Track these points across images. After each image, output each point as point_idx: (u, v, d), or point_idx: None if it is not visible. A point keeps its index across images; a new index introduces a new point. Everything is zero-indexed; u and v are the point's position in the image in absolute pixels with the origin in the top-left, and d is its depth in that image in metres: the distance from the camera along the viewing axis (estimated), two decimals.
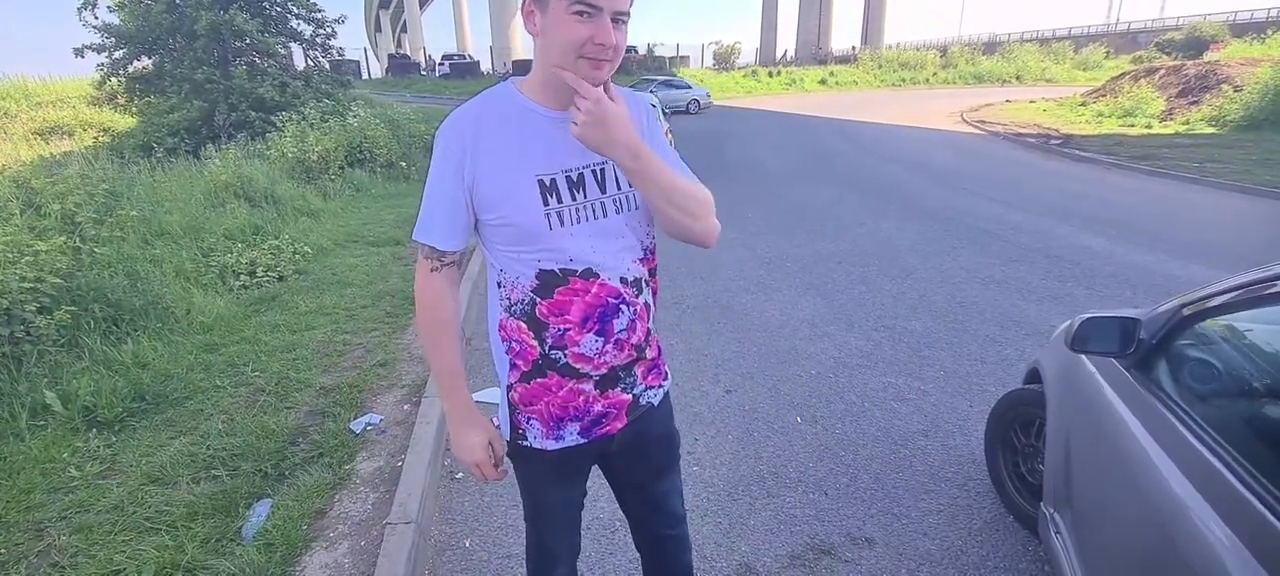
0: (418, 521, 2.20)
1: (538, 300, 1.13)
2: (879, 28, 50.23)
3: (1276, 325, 1.54)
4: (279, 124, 9.45)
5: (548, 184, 1.09)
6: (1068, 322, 1.93)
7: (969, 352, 3.73)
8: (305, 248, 5.33)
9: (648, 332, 1.23)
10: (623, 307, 1.16)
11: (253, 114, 11.23)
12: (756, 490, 2.53)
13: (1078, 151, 11.71)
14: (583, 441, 1.24)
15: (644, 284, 1.20)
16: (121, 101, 13.42)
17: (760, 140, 14.68)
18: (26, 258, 3.38)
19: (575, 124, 1.04)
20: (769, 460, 2.72)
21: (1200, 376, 1.56)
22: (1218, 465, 1.24)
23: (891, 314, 4.33)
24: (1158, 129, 14.37)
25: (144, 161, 7.72)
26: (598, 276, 1.13)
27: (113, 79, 12.48)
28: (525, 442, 1.25)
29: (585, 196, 1.12)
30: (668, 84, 25.15)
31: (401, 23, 63.94)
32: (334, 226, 6.37)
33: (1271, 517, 1.08)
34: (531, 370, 1.18)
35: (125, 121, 14.46)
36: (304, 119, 9.56)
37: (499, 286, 1.18)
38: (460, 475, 2.67)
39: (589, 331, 1.14)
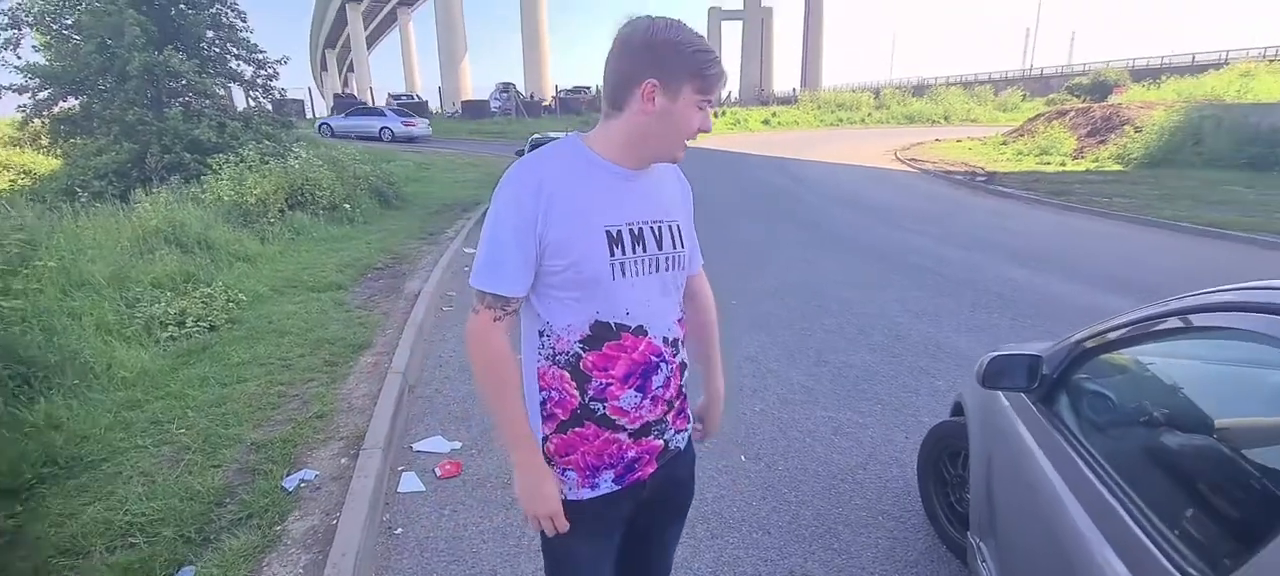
0: None
1: (584, 353, 1.17)
2: (817, 71, 52.74)
3: (1168, 358, 1.65)
4: (215, 166, 9.14)
5: (614, 235, 1.15)
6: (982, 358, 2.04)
7: (903, 384, 3.88)
8: (240, 295, 5.14)
9: (680, 389, 1.30)
10: (662, 365, 1.22)
11: (187, 156, 10.81)
12: (701, 531, 2.55)
13: (1001, 188, 12.48)
14: (617, 488, 1.25)
15: (680, 344, 1.28)
16: (45, 143, 12.71)
17: (704, 179, 15.00)
18: None
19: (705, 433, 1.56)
20: (712, 501, 2.75)
21: (1097, 408, 1.65)
22: (1109, 498, 1.30)
23: (831, 348, 4.47)
24: (1071, 166, 15.48)
25: (67, 206, 7.31)
26: (647, 334, 1.19)
27: (35, 120, 11.85)
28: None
29: (644, 250, 1.18)
30: (364, 112, 25.59)
31: (348, 61, 63.20)
32: (272, 272, 6.16)
33: (1156, 552, 1.13)
34: (569, 420, 1.21)
35: (48, 164, 13.67)
36: (242, 160, 9.27)
37: (541, 335, 1.19)
38: (399, 530, 2.60)
39: (630, 387, 1.19)
